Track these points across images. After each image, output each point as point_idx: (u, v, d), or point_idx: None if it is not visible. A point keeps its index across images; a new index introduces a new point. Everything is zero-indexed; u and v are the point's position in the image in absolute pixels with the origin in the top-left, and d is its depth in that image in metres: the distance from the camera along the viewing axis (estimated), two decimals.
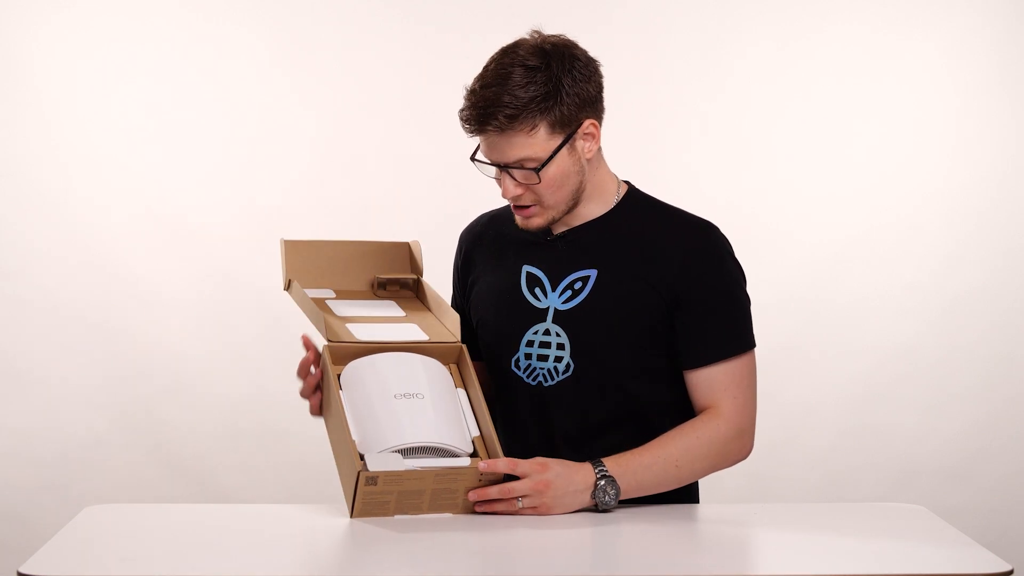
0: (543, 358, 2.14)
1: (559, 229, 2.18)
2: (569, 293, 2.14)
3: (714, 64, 3.80)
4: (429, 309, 2.22)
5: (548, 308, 2.15)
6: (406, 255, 2.28)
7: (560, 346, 2.13)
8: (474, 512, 1.99)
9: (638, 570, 1.78)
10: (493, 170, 2.08)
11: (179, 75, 3.72)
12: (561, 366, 2.13)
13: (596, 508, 2.01)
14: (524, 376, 2.15)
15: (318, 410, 2.10)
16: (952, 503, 3.73)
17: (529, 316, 2.15)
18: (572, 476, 1.99)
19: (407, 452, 1.97)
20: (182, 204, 3.71)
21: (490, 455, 2.02)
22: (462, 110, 2.04)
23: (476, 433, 2.05)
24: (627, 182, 2.22)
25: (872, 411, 3.80)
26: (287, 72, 3.76)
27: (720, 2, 3.79)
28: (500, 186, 2.11)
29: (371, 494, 1.92)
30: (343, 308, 2.17)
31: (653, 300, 2.11)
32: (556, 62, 2.03)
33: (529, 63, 2.02)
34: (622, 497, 2.02)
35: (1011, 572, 1.73)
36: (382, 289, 2.24)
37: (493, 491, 1.96)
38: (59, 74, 3.67)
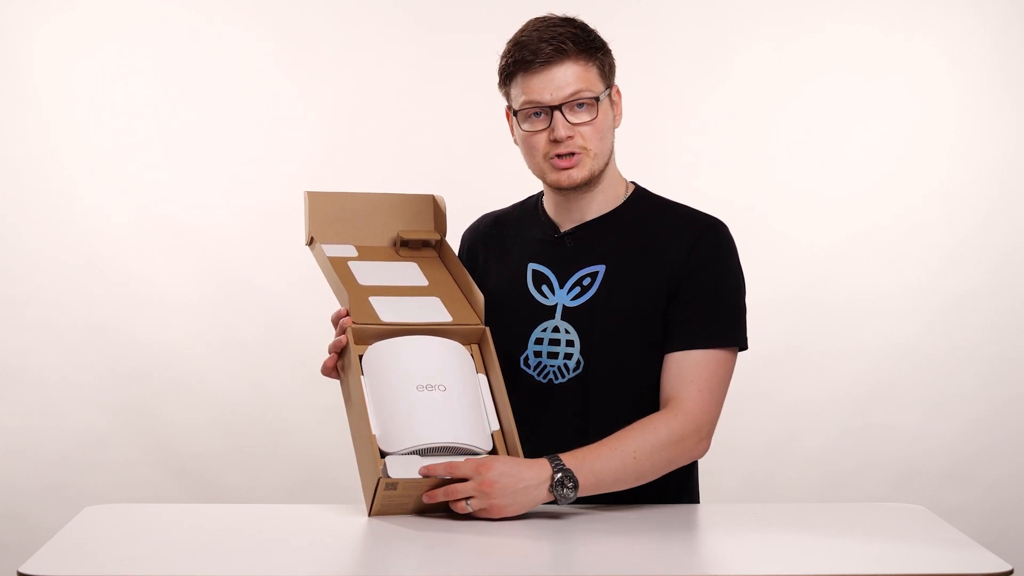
0: (553, 355, 2.14)
1: (567, 227, 2.18)
2: (578, 290, 2.14)
3: (714, 64, 3.80)
4: (452, 277, 2.21)
5: (556, 305, 2.15)
6: (430, 208, 2.27)
7: (570, 343, 2.13)
8: None
9: (639, 570, 1.78)
10: (536, 123, 2.08)
11: (179, 75, 3.72)
12: (572, 363, 2.13)
13: (556, 503, 1.98)
14: (534, 374, 2.15)
15: (332, 372, 2.11)
16: (952, 503, 3.73)
17: (537, 314, 2.15)
18: (521, 473, 1.94)
19: (426, 450, 1.97)
20: (182, 204, 3.72)
21: (508, 449, 2.03)
22: (510, 56, 2.09)
23: (496, 427, 2.05)
24: (633, 182, 2.23)
25: (872, 411, 3.80)
26: (287, 72, 3.76)
27: (720, 2, 3.79)
28: (535, 142, 2.10)
29: (390, 496, 1.94)
30: (365, 272, 2.15)
31: (661, 295, 2.11)
32: (589, 26, 2.13)
33: (567, 21, 2.11)
34: (581, 493, 1.98)
35: (1011, 572, 1.73)
36: (404, 247, 2.24)
37: (439, 494, 1.94)
38: (59, 74, 3.67)
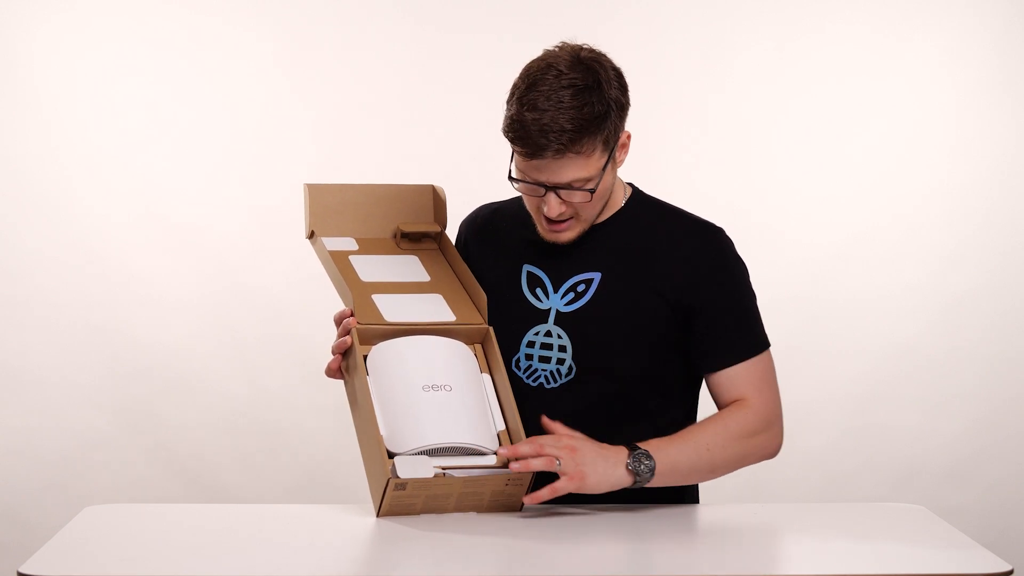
0: (545, 360, 2.13)
1: None
2: (572, 295, 2.14)
3: (714, 64, 3.80)
4: (453, 271, 2.20)
5: (550, 309, 2.14)
6: (429, 199, 2.26)
7: (562, 348, 2.12)
8: (497, 511, 2.00)
9: (639, 570, 1.78)
10: (530, 188, 2.04)
11: (179, 75, 3.72)
12: (564, 368, 2.12)
13: (633, 485, 1.98)
14: (524, 377, 2.14)
15: (336, 373, 2.11)
16: (952, 503, 3.73)
17: (530, 317, 2.15)
18: (602, 448, 1.98)
19: (433, 451, 1.97)
20: (182, 204, 3.71)
21: None
22: (513, 132, 1.99)
23: (501, 426, 2.06)
24: (630, 184, 2.22)
25: (872, 411, 3.80)
26: (287, 72, 3.76)
27: (720, 2, 3.79)
28: (529, 202, 2.08)
29: (399, 497, 1.94)
30: (366, 267, 2.15)
31: (658, 306, 2.10)
32: (602, 77, 2.01)
33: (578, 83, 1.98)
34: (659, 481, 1.99)
35: (1011, 572, 1.73)
36: (404, 239, 2.23)
37: (538, 463, 1.93)
38: (59, 74, 3.67)
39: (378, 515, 1.97)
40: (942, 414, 3.79)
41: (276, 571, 1.75)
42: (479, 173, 3.66)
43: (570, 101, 1.97)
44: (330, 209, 2.21)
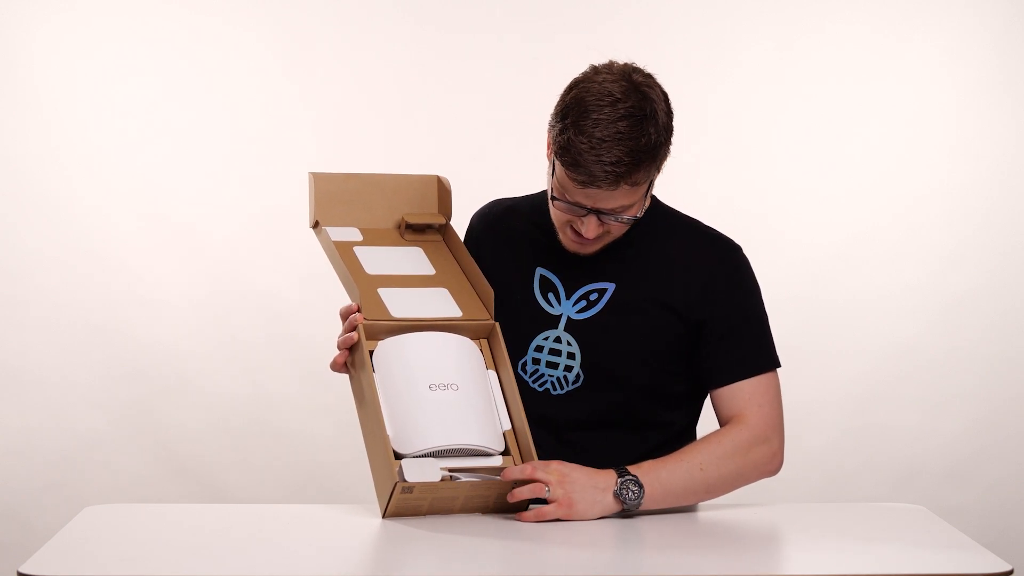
0: (552, 365, 2.13)
1: None
2: (584, 303, 2.13)
3: (714, 63, 3.80)
4: (458, 264, 2.19)
5: (561, 316, 2.13)
6: (434, 190, 2.25)
7: (571, 355, 2.12)
8: (502, 512, 1.99)
9: (640, 570, 1.78)
10: (568, 207, 2.01)
11: (179, 75, 3.72)
12: (571, 376, 2.12)
13: (623, 511, 1.99)
14: (530, 381, 2.14)
15: (341, 367, 2.09)
16: (952, 503, 3.73)
17: (540, 321, 2.14)
18: (593, 475, 1.97)
19: (440, 452, 1.97)
20: (181, 204, 3.71)
21: (521, 449, 2.03)
22: (569, 157, 1.95)
23: (507, 426, 2.05)
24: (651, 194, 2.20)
25: (872, 411, 3.80)
26: (287, 72, 3.76)
27: (720, 2, 3.79)
28: (559, 216, 2.05)
29: (406, 499, 1.94)
30: (371, 259, 2.14)
31: (669, 319, 2.10)
32: (656, 104, 1.97)
33: (635, 112, 1.94)
34: (651, 504, 2.00)
35: (1011, 572, 1.73)
36: (409, 230, 2.21)
37: (526, 491, 1.94)
38: (59, 74, 3.67)
39: (384, 516, 1.97)
40: (942, 414, 3.79)
41: (277, 571, 1.74)
42: (480, 174, 3.66)
43: (628, 132, 1.94)
44: (335, 199, 2.20)
